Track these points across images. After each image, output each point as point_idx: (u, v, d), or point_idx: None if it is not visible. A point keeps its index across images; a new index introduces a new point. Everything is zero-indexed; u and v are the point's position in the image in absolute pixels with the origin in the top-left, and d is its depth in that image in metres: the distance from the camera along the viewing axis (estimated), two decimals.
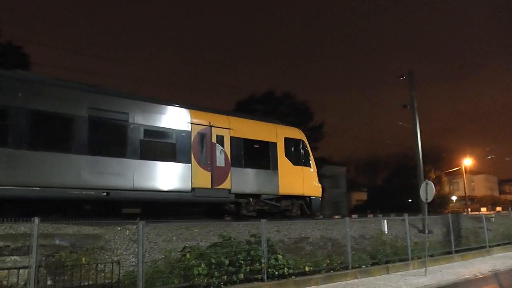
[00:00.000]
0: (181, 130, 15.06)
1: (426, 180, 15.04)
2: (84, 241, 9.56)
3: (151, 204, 14.41)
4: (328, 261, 12.49)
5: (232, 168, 16.07)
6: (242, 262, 10.23)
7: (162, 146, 14.65)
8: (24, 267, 8.07)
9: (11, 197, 11.37)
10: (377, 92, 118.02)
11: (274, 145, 17.81)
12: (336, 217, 28.04)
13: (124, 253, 9.76)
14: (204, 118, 15.90)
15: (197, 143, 15.36)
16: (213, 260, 9.74)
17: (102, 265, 8.97)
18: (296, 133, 19.20)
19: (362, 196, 68.97)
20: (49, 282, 8.40)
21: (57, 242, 9.28)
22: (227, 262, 9.92)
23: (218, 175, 15.63)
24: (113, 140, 13.63)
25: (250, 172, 16.65)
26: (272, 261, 10.87)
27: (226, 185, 15.78)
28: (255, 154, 17.03)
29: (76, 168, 12.47)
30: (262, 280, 10.45)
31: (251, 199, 16.69)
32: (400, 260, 14.45)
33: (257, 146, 17.27)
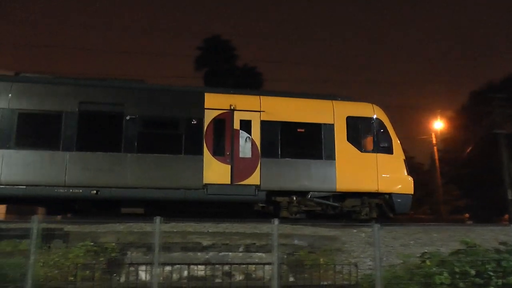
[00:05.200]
0: (191, 117, 13.24)
1: None
2: (321, 242, 9.86)
3: (152, 203, 13.26)
4: None
5: (262, 159, 13.23)
6: (491, 273, 9.05)
7: (165, 137, 13.16)
8: (268, 263, 8.61)
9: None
10: None
11: (330, 127, 13.94)
12: None
13: (361, 255, 9.69)
14: (224, 101, 13.59)
15: (211, 131, 13.25)
16: (456, 269, 8.86)
17: (340, 267, 9.01)
18: (367, 110, 14.61)
19: None
20: (291, 279, 8.87)
21: (296, 242, 9.74)
22: (473, 272, 8.90)
23: (241, 168, 13.11)
24: (105, 134, 12.95)
25: (290, 164, 13.40)
26: None
27: (252, 180, 13.04)
28: (298, 141, 13.81)
29: (62, 165, 12.24)
30: None
31: (294, 198, 13.47)
32: None
33: (302, 130, 13.86)
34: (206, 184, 12.79)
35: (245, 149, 13.24)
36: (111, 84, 13.75)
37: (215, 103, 13.49)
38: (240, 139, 13.29)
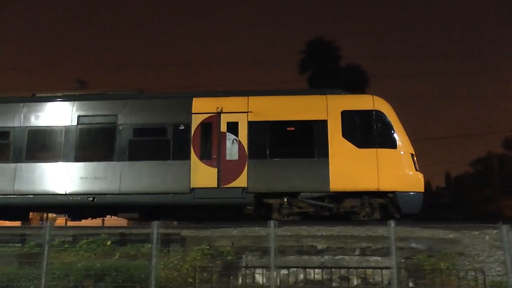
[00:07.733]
0: (178, 123, 13.34)
1: None
2: (441, 245, 9.40)
3: (143, 208, 13.56)
4: None
5: (249, 160, 12.85)
6: None
7: (154, 144, 13.42)
8: (385, 267, 8.36)
9: (11, 204, 13.29)
10: None
11: (323, 124, 13.01)
12: None
13: (486, 260, 9.05)
14: (211, 105, 13.46)
15: (199, 135, 13.21)
16: None
17: (463, 272, 8.50)
18: (365, 103, 13.36)
19: None
20: (410, 285, 8.55)
21: (413, 245, 9.39)
22: None
23: (227, 171, 12.86)
24: (99, 144, 13.62)
25: (279, 164, 12.82)
26: None
27: (239, 182, 12.73)
28: (288, 140, 13.20)
29: (64, 175, 13.22)
30: None
31: (285, 199, 12.77)
32: None
33: (292, 128, 13.19)
34: (193, 188, 12.85)
35: (231, 151, 13.08)
36: (105, 96, 14.46)
37: (202, 107, 13.54)
38: (227, 141, 13.17)
